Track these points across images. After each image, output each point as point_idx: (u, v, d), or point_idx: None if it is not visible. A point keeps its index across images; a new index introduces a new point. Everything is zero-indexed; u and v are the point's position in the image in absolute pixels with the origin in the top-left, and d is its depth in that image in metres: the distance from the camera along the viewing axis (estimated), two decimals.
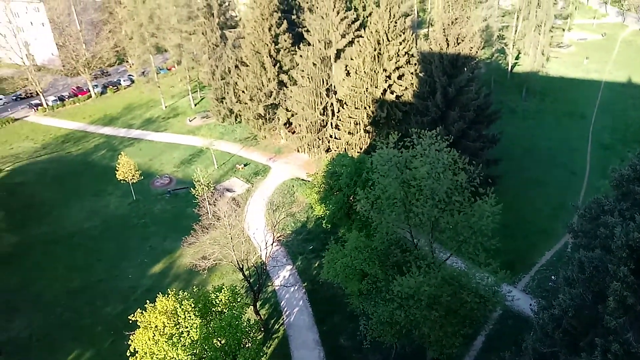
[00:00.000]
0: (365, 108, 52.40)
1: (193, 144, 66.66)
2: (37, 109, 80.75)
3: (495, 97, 59.79)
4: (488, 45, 76.58)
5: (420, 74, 50.64)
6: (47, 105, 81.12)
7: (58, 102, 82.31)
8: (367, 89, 51.71)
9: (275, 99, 62.12)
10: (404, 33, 51.09)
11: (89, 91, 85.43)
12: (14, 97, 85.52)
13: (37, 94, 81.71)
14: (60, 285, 43.93)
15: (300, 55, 57.34)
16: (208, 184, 48.92)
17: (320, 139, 58.74)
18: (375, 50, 50.66)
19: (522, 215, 46.75)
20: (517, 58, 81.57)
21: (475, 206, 26.59)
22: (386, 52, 50.91)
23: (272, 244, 39.65)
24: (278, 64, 61.85)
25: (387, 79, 52.10)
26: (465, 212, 26.77)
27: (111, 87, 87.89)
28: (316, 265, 43.33)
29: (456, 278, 26.13)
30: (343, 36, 54.89)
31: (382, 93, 52.31)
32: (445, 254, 30.83)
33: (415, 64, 52.30)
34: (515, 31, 77.47)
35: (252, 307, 36.69)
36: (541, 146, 60.24)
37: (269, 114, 63.86)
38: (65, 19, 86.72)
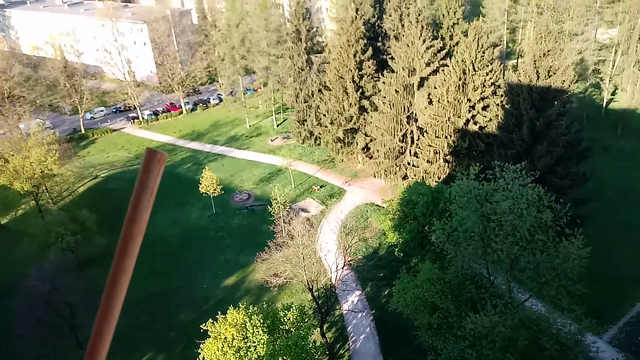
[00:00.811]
0: (446, 137, 51.56)
1: (273, 163, 68.54)
2: (133, 122, 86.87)
3: (587, 134, 56.61)
4: (582, 79, 72.98)
5: (506, 106, 49.21)
6: (143, 118, 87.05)
7: (152, 116, 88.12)
8: (449, 118, 50.95)
9: (355, 123, 62.73)
10: (491, 63, 50.06)
11: (181, 107, 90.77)
12: (114, 110, 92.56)
13: (135, 108, 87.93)
14: (140, 289, 46.31)
15: (383, 82, 57.71)
16: (284, 202, 49.94)
17: (397, 166, 58.39)
18: (460, 79, 49.96)
19: (611, 261, 43.48)
20: (613, 94, 76.99)
21: (560, 247, 25.18)
22: (471, 82, 50.04)
23: (342, 268, 39.62)
24: (360, 90, 62.56)
25: (471, 109, 51.07)
26: (549, 253, 25.41)
27: (201, 104, 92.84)
28: (386, 293, 42.66)
29: (535, 322, 24.76)
30: (428, 64, 54.66)
31: (464, 123, 51.29)
32: (524, 294, 29.32)
33: (501, 96, 50.93)
34: (613, 66, 73.33)
35: (318, 329, 36.70)
36: (637, 189, 56.04)
37: (348, 138, 64.52)
38: (165, 39, 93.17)
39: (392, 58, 58.84)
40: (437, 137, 52.03)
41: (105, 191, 65.07)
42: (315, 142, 72.20)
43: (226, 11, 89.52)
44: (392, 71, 57.84)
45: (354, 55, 61.35)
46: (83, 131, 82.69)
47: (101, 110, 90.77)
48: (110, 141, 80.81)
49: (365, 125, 61.95)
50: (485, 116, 51.24)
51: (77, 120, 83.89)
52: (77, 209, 54.72)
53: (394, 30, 64.54)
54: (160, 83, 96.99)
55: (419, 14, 55.83)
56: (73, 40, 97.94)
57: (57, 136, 67.99)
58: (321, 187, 62.11)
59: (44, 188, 60.63)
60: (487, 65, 49.88)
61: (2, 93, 74.20)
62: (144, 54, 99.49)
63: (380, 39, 67.42)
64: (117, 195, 63.84)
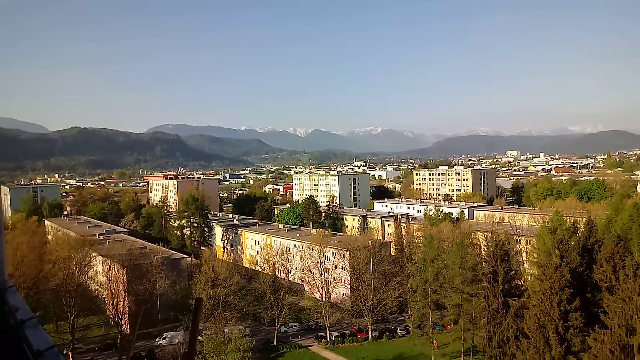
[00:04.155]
0: None
1: None
2: (320, 341, 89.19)
3: None
4: None
5: None
6: (330, 339, 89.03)
7: (339, 338, 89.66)
8: None
9: None
10: None
11: (367, 334, 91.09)
12: (306, 326, 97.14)
13: (324, 327, 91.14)
14: None
15: (594, 339, 50.86)
16: None
17: None
18: None
19: None
20: None
21: None
22: None
23: None
24: (566, 343, 55.73)
25: None
26: None
27: (387, 333, 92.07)
28: None
29: None
30: None
31: None
32: None
33: None
34: None
35: None
36: None
37: None
38: (363, 267, 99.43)
39: (605, 312, 52.57)
40: None
41: None
42: None
43: (423, 246, 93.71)
44: (605, 327, 51.09)
45: (558, 304, 56.54)
46: (275, 343, 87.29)
47: (294, 325, 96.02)
48: (296, 357, 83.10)
49: None
50: None
51: (272, 332, 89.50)
52: None
53: (606, 282, 58.95)
54: (352, 307, 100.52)
55: (637, 267, 50.66)
56: (285, 259, 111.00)
57: (253, 344, 72.65)
58: None
59: None
60: None
61: (219, 298, 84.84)
62: (341, 277, 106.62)
63: (589, 289, 61.78)
64: None
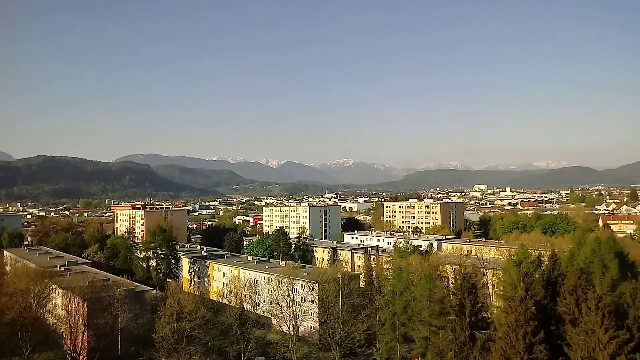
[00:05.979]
0: None
1: None
2: None
3: None
4: None
5: None
6: None
7: None
8: None
9: None
10: None
11: None
12: None
13: None
14: None
15: None
16: None
17: None
18: None
19: None
20: None
21: None
22: None
23: None
24: None
25: None
26: None
27: None
28: None
29: None
30: (612, 358, 47.97)
31: None
32: None
33: None
34: None
35: None
36: None
37: None
38: (332, 299, 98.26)
39: (569, 345, 53.23)
40: None
41: None
42: None
43: (392, 279, 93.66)
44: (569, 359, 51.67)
45: (524, 337, 56.90)
46: None
47: None
48: None
49: None
50: None
51: None
52: None
53: (569, 315, 59.79)
54: (319, 340, 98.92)
55: (599, 300, 51.72)
56: (253, 292, 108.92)
57: None
58: None
59: None
60: None
61: (183, 332, 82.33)
62: (310, 310, 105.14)
63: (553, 322, 62.48)
64: None
